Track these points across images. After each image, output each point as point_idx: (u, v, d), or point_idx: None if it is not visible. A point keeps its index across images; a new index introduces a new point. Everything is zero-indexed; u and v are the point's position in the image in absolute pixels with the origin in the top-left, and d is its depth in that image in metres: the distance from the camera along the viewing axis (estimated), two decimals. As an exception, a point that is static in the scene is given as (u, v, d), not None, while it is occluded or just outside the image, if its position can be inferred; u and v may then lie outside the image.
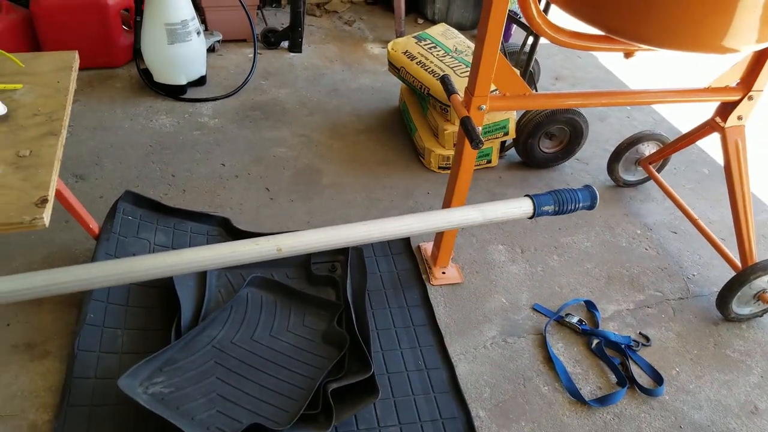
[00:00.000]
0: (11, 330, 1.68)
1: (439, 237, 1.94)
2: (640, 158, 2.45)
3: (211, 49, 3.25)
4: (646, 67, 3.57)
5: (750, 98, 1.77)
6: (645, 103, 2.93)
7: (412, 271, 2.00)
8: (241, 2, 2.99)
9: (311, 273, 1.91)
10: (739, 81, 1.78)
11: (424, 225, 1.26)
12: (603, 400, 1.65)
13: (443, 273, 1.99)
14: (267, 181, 2.38)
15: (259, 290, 1.83)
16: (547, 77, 3.31)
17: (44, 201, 1.10)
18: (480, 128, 1.63)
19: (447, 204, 1.85)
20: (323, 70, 3.24)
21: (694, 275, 2.11)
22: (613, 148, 2.47)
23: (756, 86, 1.75)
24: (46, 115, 1.36)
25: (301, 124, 2.76)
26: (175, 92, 2.87)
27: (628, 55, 1.76)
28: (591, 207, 1.43)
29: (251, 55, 3.20)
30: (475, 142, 1.53)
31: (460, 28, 3.59)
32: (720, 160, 2.67)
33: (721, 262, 2.03)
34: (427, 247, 2.08)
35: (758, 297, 1.86)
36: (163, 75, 2.84)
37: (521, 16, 2.82)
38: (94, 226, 1.86)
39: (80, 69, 1.66)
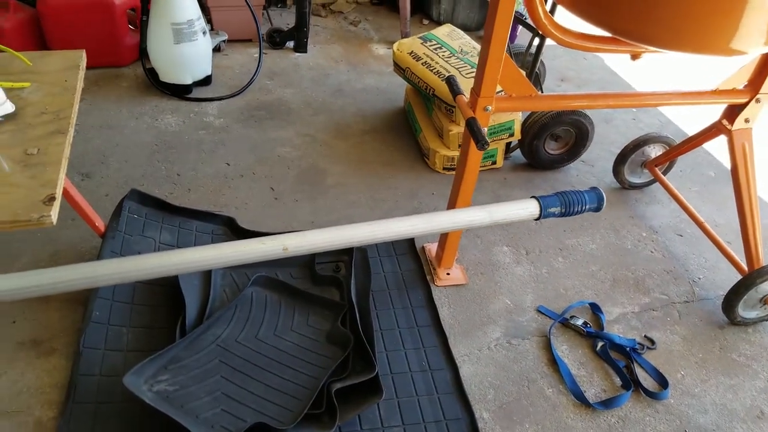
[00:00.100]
0: (17, 327, 1.68)
1: (443, 238, 1.94)
2: (646, 160, 2.44)
3: (216, 49, 3.26)
4: (652, 69, 3.56)
5: (758, 101, 1.77)
6: (651, 105, 2.92)
7: (416, 272, 1.99)
8: (246, 2, 3.00)
9: (315, 273, 1.91)
10: (746, 83, 1.77)
11: (430, 225, 1.26)
12: (608, 403, 1.64)
13: (447, 274, 1.98)
14: (272, 180, 2.39)
15: (263, 290, 1.84)
16: (552, 78, 3.31)
17: (52, 199, 1.10)
18: (486, 129, 1.63)
19: (452, 205, 1.85)
20: (328, 71, 3.24)
21: (699, 278, 2.10)
22: (618, 150, 2.47)
23: (764, 89, 1.74)
24: (53, 114, 1.37)
25: (306, 124, 2.76)
26: (180, 92, 2.88)
27: (634, 56, 1.75)
28: (598, 209, 1.42)
29: (256, 55, 3.20)
30: (481, 143, 1.53)
31: (466, 29, 3.59)
32: (726, 163, 2.68)
33: (727, 265, 2.02)
34: (432, 247, 2.08)
35: (765, 301, 1.85)
36: (169, 74, 2.84)
37: (527, 17, 2.83)
38: (100, 224, 1.87)
39: (86, 68, 1.66)
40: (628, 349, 1.80)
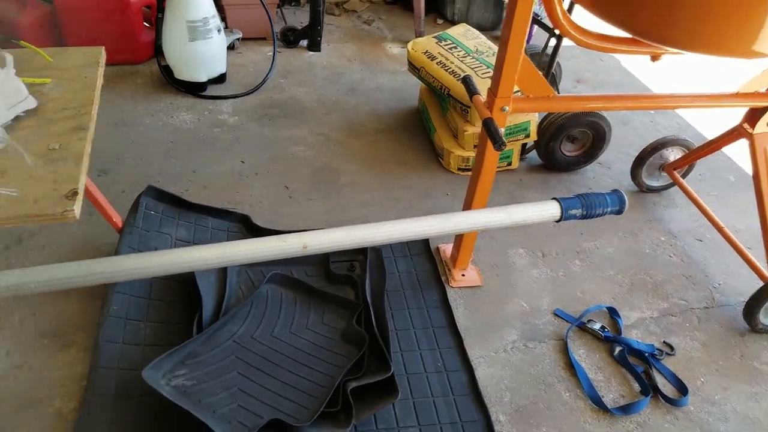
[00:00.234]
0: (38, 319, 1.69)
1: (459, 239, 1.92)
2: (665, 164, 2.42)
3: (230, 47, 3.26)
4: (669, 71, 3.53)
5: (781, 104, 1.74)
6: (671, 108, 2.90)
7: (431, 273, 1.98)
8: (261, 1, 3.00)
9: (330, 272, 1.90)
10: (769, 86, 1.75)
11: (449, 226, 1.25)
12: (626, 409, 1.62)
13: (462, 275, 1.97)
14: (286, 179, 2.38)
15: (279, 287, 1.83)
16: (568, 80, 3.28)
17: (74, 193, 1.10)
18: (503, 130, 1.61)
19: (467, 206, 1.84)
20: (342, 69, 3.24)
21: (719, 284, 2.07)
22: (636, 153, 2.44)
23: (788, 92, 1.72)
24: (74, 110, 1.37)
25: (320, 122, 2.76)
26: (195, 89, 2.88)
27: (654, 58, 1.73)
28: (619, 212, 1.41)
29: (270, 54, 3.20)
30: (498, 144, 1.51)
31: (481, 28, 3.57)
32: (747, 167, 2.64)
33: (747, 271, 1.99)
34: (446, 248, 2.07)
35: (786, 308, 1.83)
36: (184, 72, 2.85)
37: (543, 17, 2.81)
38: (118, 219, 1.87)
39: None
40: (646, 354, 1.77)
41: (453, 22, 3.73)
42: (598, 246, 2.18)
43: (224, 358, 1.59)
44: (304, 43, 3.44)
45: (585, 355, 1.77)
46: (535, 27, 3.35)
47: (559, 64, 2.86)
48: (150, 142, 2.51)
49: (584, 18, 1.52)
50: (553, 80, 2.79)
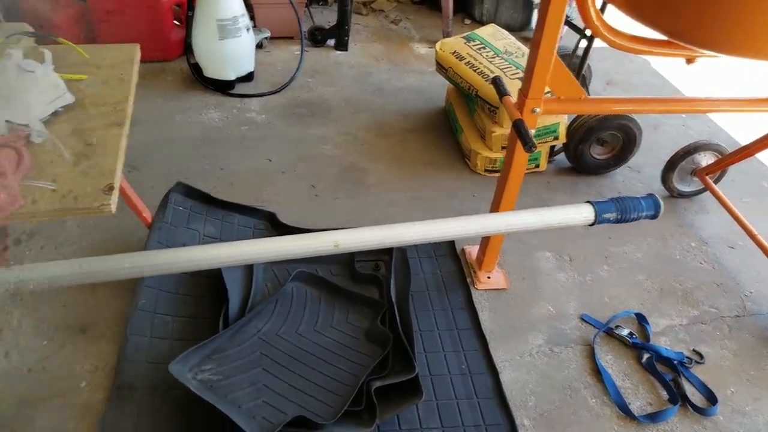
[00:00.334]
0: (67, 311, 1.73)
1: (485, 241, 1.91)
2: (697, 168, 2.37)
3: (258, 46, 3.29)
4: (702, 74, 3.45)
5: (820, 109, 1.69)
6: (705, 112, 2.83)
7: (456, 274, 1.97)
8: (290, 0, 3.02)
9: (355, 271, 1.90)
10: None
11: (483, 227, 1.24)
12: (653, 417, 1.59)
13: (488, 277, 1.96)
14: (312, 177, 2.39)
15: (304, 285, 1.84)
16: (598, 81, 3.23)
17: (110, 188, 1.12)
18: (533, 131, 1.60)
19: (495, 208, 1.82)
20: (369, 69, 3.24)
21: (751, 292, 2.02)
22: (666, 157, 2.40)
23: (828, 97, 1.67)
24: (110, 106, 1.39)
25: (347, 122, 2.77)
26: (223, 87, 2.92)
27: (689, 60, 1.69)
28: (654, 216, 1.38)
29: (298, 53, 3.22)
30: (529, 145, 1.50)
31: (509, 29, 3.54)
32: (783, 173, 2.58)
33: (781, 279, 1.94)
34: (472, 250, 2.06)
35: (822, 318, 1.77)
36: (213, 70, 2.88)
37: (573, 18, 2.78)
38: (147, 215, 1.90)
39: (135, 62, 1.69)
40: (675, 362, 1.74)
41: (481, 23, 3.71)
42: (626, 251, 2.14)
43: (250, 354, 1.61)
44: (331, 42, 3.46)
45: (612, 362, 1.75)
46: (565, 28, 3.31)
47: (589, 66, 2.82)
48: (179, 139, 2.54)
49: (616, 19, 1.50)
50: (583, 82, 2.76)
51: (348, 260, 1.93)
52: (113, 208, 1.10)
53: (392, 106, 2.91)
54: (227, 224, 2.01)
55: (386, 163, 2.50)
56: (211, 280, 1.79)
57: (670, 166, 2.37)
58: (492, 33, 2.76)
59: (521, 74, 2.43)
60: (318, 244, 1.10)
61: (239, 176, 2.36)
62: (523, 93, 1.59)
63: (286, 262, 1.88)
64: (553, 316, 1.87)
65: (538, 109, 1.60)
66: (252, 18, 3.32)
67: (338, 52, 3.41)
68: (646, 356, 1.76)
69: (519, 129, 1.54)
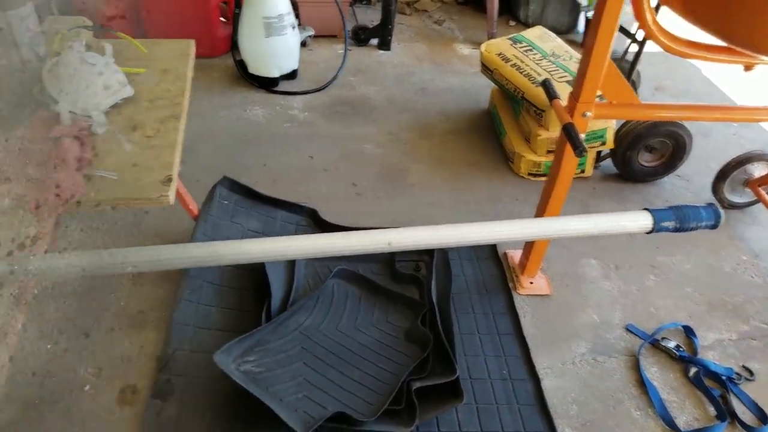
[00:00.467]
0: (115, 299, 1.77)
1: (529, 245, 1.88)
2: (749, 179, 2.28)
3: (302, 44, 3.32)
4: (755, 82, 3.33)
5: None
6: (764, 121, 2.73)
7: (497, 278, 1.95)
8: (335, -1, 3.04)
9: (396, 270, 1.90)
10: None
11: (537, 231, 1.23)
12: (701, 433, 1.55)
13: (531, 283, 1.93)
14: (354, 176, 2.40)
15: (344, 282, 1.85)
16: (646, 87, 3.15)
17: (169, 180, 1.15)
18: (583, 136, 1.57)
19: (541, 212, 1.80)
20: (412, 69, 3.24)
21: (806, 309, 1.94)
22: (717, 166, 2.32)
23: None
24: (168, 99, 1.43)
25: (389, 121, 2.77)
26: (267, 84, 2.95)
27: (747, 68, 1.64)
28: (714, 226, 1.34)
29: (341, 51, 3.24)
30: (579, 150, 1.48)
31: (555, 31, 3.45)
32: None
33: (839, 297, 1.86)
34: (514, 254, 2.03)
35: None
36: (258, 67, 2.92)
37: (623, 22, 2.71)
38: (194, 207, 1.94)
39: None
40: (724, 378, 1.68)
41: (526, 25, 3.66)
42: (674, 261, 2.08)
43: (291, 348, 1.63)
44: (374, 41, 3.46)
45: (658, 374, 1.70)
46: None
47: (638, 71, 2.75)
48: (224, 134, 2.59)
49: (669, 22, 1.46)
50: (633, 87, 2.69)
51: (389, 260, 1.93)
52: (171, 199, 1.12)
53: (435, 106, 2.90)
54: (270, 219, 2.03)
55: (428, 164, 2.50)
56: (254, 273, 1.82)
57: (722, 175, 2.30)
58: (539, 35, 2.73)
59: (569, 77, 2.39)
60: (371, 242, 1.10)
61: (281, 172, 2.39)
62: (575, 96, 1.57)
63: (327, 258, 1.90)
64: (597, 325, 1.83)
65: (589, 113, 1.57)
66: (297, 16, 3.35)
67: (381, 51, 3.42)
68: (693, 370, 1.71)
69: (569, 133, 1.52)
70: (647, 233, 1.31)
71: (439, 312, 1.71)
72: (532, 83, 2.38)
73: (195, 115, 2.68)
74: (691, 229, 1.31)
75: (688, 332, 1.82)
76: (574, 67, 2.47)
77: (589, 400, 1.61)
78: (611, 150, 2.39)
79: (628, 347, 1.77)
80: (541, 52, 2.57)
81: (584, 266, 2.03)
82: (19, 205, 1.13)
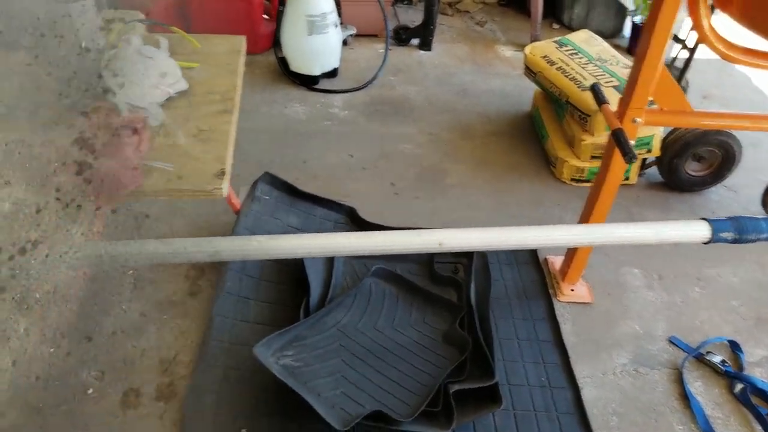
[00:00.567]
0: (156, 288, 1.81)
1: (571, 252, 1.85)
2: (801, 192, 2.21)
3: (343, 43, 3.34)
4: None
5: None
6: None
7: (538, 284, 1.93)
8: (378, -2, 3.04)
9: (434, 272, 1.89)
10: None
11: (595, 237, 1.20)
12: (747, 452, 1.50)
13: (572, 290, 1.90)
14: (393, 175, 2.40)
15: (382, 282, 1.85)
16: (694, 94, 3.06)
17: (222, 173, 1.17)
18: (632, 142, 1.54)
19: (585, 219, 1.77)
20: (453, 70, 3.22)
21: None
22: (766, 178, 2.25)
23: None
24: (220, 94, 1.45)
25: (429, 122, 2.76)
26: (308, 82, 2.98)
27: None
28: (773, 240, 1.30)
29: (381, 51, 3.25)
30: (629, 156, 1.44)
31: (600, 35, 3.40)
32: None
33: None
34: (555, 260, 2.00)
35: None
36: (299, 65, 2.95)
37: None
38: (236, 201, 1.96)
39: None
40: (772, 396, 1.63)
41: (570, 28, 3.61)
42: (720, 274, 2.02)
43: (329, 344, 1.63)
44: (415, 41, 3.46)
45: (702, 388, 1.65)
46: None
47: (687, 79, 2.68)
48: (265, 131, 2.62)
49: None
50: (680, 94, 2.63)
51: (427, 261, 1.93)
52: (225, 192, 1.14)
53: (476, 107, 2.88)
54: (310, 216, 2.05)
55: (468, 165, 2.48)
56: (292, 268, 1.83)
57: (773, 188, 2.22)
58: (585, 39, 2.68)
59: (615, 82, 2.34)
60: (422, 242, 1.10)
61: (321, 170, 2.40)
62: (625, 102, 1.54)
63: (365, 257, 1.90)
64: (640, 336, 1.79)
65: (639, 120, 1.54)
66: (339, 15, 3.37)
67: (422, 51, 3.41)
68: (739, 386, 1.65)
69: (619, 139, 1.49)
70: (704, 243, 1.27)
71: (479, 315, 1.69)
72: (578, 87, 2.34)
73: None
74: (750, 242, 1.27)
75: (734, 347, 1.77)
76: (620, 71, 2.42)
77: (630, 412, 1.58)
78: (657, 158, 2.34)
79: (671, 360, 1.72)
80: (587, 56, 2.53)
81: (626, 275, 1.99)
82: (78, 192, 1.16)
